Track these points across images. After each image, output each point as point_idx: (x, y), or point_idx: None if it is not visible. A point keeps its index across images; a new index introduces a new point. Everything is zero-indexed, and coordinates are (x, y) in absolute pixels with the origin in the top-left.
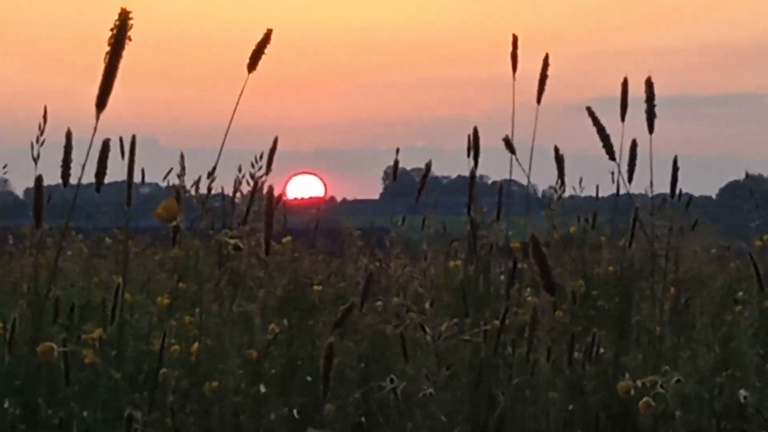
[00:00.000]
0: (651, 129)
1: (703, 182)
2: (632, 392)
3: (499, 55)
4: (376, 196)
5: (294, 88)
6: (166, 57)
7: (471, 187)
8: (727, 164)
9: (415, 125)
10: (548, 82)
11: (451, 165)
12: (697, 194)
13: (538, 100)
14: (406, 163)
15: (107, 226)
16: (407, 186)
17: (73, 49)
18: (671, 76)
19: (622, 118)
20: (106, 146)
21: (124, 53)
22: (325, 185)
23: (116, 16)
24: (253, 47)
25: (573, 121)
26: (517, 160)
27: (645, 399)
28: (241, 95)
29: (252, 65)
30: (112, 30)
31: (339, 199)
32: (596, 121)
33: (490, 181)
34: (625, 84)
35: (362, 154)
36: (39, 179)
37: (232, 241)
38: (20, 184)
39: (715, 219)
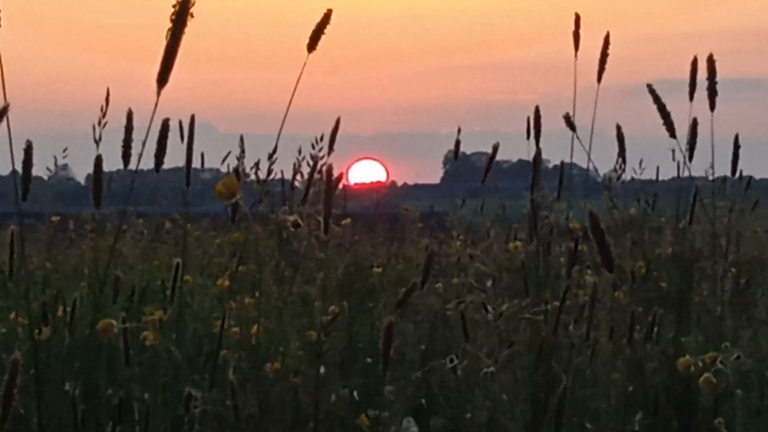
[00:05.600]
0: (712, 106)
1: (764, 165)
2: (692, 369)
3: (557, 39)
4: (437, 181)
5: (352, 71)
6: (222, 40)
7: (536, 166)
8: None
9: (473, 109)
10: (607, 64)
11: (511, 149)
12: (757, 177)
13: (599, 79)
14: (466, 147)
15: (167, 211)
16: (467, 170)
17: (131, 35)
18: (731, 58)
19: (691, 97)
20: (165, 126)
21: (186, 30)
22: (386, 170)
23: None
24: (313, 27)
25: (632, 105)
26: (577, 137)
27: (706, 375)
28: (300, 75)
29: (312, 45)
30: (174, 6)
31: (400, 183)
32: (657, 99)
33: (550, 165)
34: (694, 63)
35: (422, 138)
36: (99, 158)
37: (291, 218)
38: (81, 172)
39: None
